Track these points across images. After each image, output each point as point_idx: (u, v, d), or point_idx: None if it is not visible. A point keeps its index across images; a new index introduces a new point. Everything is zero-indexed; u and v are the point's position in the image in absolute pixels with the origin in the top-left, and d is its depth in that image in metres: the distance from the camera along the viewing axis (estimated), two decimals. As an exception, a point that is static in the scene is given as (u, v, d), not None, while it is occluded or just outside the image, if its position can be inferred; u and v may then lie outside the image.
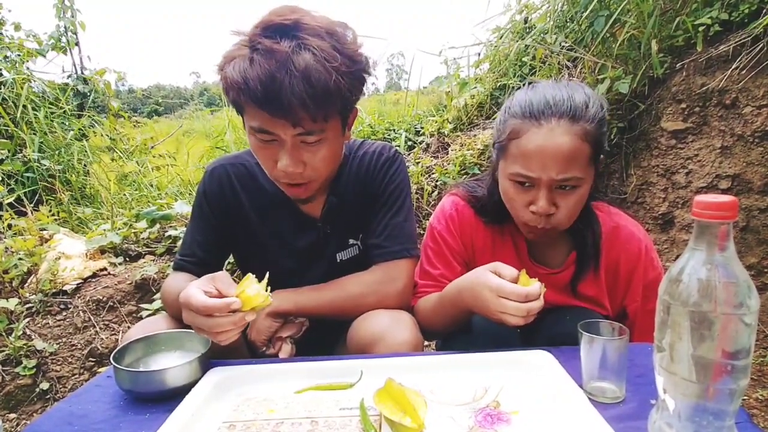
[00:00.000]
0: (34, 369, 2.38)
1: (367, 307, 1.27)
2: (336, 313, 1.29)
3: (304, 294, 1.30)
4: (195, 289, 0.98)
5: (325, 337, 1.44)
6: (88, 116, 4.97)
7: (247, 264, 1.49)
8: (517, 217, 1.20)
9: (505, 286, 1.00)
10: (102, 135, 5.00)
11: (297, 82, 1.03)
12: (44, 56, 4.90)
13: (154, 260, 2.94)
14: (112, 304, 2.65)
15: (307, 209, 1.38)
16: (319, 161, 1.17)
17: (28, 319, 2.53)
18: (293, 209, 1.37)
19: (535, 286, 1.00)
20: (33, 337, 2.47)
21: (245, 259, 1.49)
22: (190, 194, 4.01)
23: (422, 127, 4.20)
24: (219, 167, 1.39)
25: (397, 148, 1.47)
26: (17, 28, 4.80)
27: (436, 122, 4.10)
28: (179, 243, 2.96)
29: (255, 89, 1.03)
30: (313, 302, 1.29)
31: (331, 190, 1.37)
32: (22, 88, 4.25)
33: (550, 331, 1.24)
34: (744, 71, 2.48)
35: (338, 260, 1.41)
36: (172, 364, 0.99)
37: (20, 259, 2.71)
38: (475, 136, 3.72)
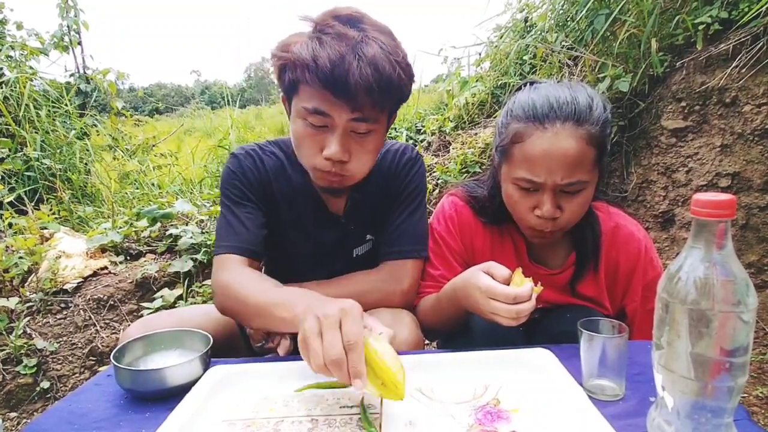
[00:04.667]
0: (35, 368, 2.38)
1: (370, 305, 1.26)
2: None
3: (311, 289, 1.29)
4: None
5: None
6: (90, 115, 4.97)
7: (273, 253, 1.48)
8: (521, 220, 1.20)
9: (494, 288, 0.99)
10: (104, 134, 5.01)
11: (365, 66, 1.06)
12: (47, 55, 4.90)
13: (155, 259, 2.95)
14: (112, 303, 2.66)
15: (330, 205, 1.38)
16: (364, 154, 1.18)
17: (28, 318, 2.53)
18: (318, 204, 1.37)
19: (525, 287, 0.98)
20: (33, 336, 2.47)
21: (271, 247, 1.48)
22: (191, 193, 4.01)
23: (423, 126, 4.21)
24: (250, 150, 1.37)
25: (418, 150, 1.47)
26: (19, 27, 4.81)
27: (438, 121, 4.11)
28: (180, 242, 2.97)
29: (324, 67, 1.05)
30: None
31: (353, 187, 1.37)
32: (24, 86, 4.25)
33: (551, 329, 1.24)
34: (744, 69, 2.48)
35: (354, 255, 1.42)
36: (172, 362, 0.99)
37: (21, 257, 2.71)
38: (476, 134, 3.73)
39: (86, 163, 4.55)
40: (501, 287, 0.99)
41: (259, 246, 1.27)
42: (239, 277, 1.17)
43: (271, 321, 1.05)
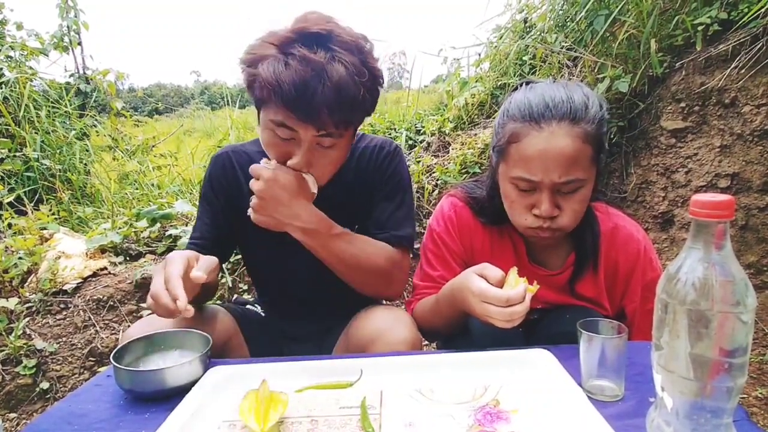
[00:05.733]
0: (34, 368, 2.38)
1: (372, 283, 1.31)
2: (350, 267, 1.29)
3: (337, 234, 1.27)
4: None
5: (323, 336, 1.44)
6: (90, 116, 4.97)
7: (248, 248, 1.51)
8: (518, 221, 1.19)
9: (486, 291, 0.99)
10: (103, 134, 5.01)
11: (329, 91, 1.09)
12: (47, 55, 4.90)
13: (154, 259, 2.95)
14: (112, 303, 2.65)
15: None
16: (327, 165, 1.23)
17: (28, 319, 2.53)
18: None
19: (519, 288, 0.98)
20: (33, 336, 2.47)
21: (246, 243, 1.50)
22: (191, 193, 4.01)
23: (423, 126, 4.20)
24: (223, 153, 1.45)
25: (398, 144, 1.49)
26: (19, 27, 4.80)
27: (437, 121, 4.10)
28: (180, 242, 2.97)
29: (289, 92, 1.08)
30: (340, 247, 1.27)
31: None
32: (24, 87, 4.25)
33: (550, 329, 1.24)
34: (743, 70, 2.48)
35: None
36: (172, 363, 1.00)
37: (20, 258, 2.71)
38: (475, 135, 3.72)
39: (86, 164, 4.55)
40: (493, 290, 0.99)
41: (211, 248, 1.37)
42: None
43: None
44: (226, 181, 1.40)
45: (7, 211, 3.33)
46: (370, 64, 1.18)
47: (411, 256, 1.38)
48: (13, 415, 2.32)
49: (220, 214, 1.41)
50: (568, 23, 3.56)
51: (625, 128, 3.01)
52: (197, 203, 1.46)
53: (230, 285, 2.84)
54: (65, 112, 4.71)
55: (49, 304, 2.61)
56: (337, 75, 1.10)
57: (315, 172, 1.22)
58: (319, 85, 1.08)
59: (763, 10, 2.39)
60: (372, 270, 1.29)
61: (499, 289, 0.99)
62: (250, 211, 1.22)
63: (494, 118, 3.80)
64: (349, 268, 1.29)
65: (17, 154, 4.00)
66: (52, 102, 4.63)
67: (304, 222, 1.21)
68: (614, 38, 3.01)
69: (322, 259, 1.28)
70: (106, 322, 2.60)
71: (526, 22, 4.14)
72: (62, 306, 2.62)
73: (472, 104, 4.07)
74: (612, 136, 2.98)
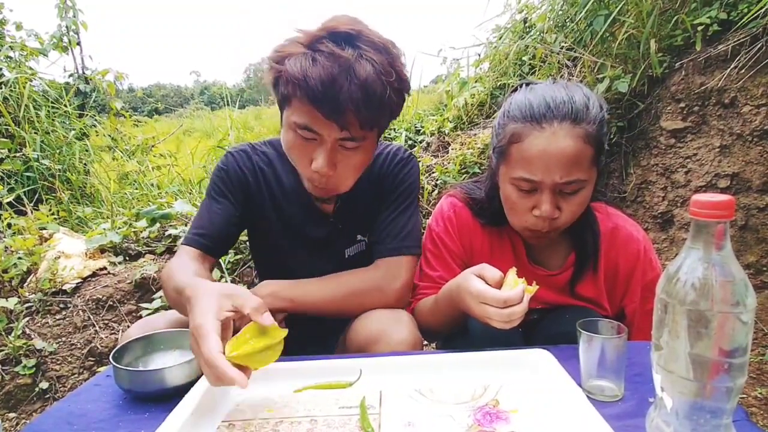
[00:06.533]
0: (34, 368, 2.38)
1: (368, 306, 1.27)
2: (335, 310, 1.29)
3: (301, 288, 1.28)
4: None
5: (324, 336, 1.44)
6: (89, 116, 4.97)
7: (260, 252, 1.51)
8: (517, 221, 1.19)
9: (484, 293, 0.99)
10: (103, 134, 5.01)
11: (356, 89, 1.07)
12: (46, 56, 4.90)
13: (154, 259, 2.94)
14: (111, 303, 2.65)
15: (320, 204, 1.39)
16: (350, 168, 1.21)
17: (27, 319, 2.53)
18: (307, 203, 1.38)
19: (517, 289, 0.97)
20: (32, 336, 2.47)
21: (258, 246, 1.50)
22: (190, 193, 4.01)
23: (422, 126, 4.20)
24: (241, 150, 1.41)
25: (411, 152, 1.48)
26: (18, 27, 4.80)
27: (437, 121, 4.11)
28: (179, 242, 2.97)
29: (315, 87, 1.06)
30: (311, 298, 1.27)
31: None
32: (23, 87, 4.25)
33: (550, 330, 1.24)
34: (743, 70, 2.48)
35: (346, 255, 1.42)
36: (171, 363, 0.99)
37: (20, 258, 2.71)
38: (475, 135, 3.73)
39: (85, 164, 4.55)
40: (491, 292, 0.99)
41: (217, 242, 1.31)
42: (177, 265, 1.21)
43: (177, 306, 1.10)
44: (245, 176, 1.36)
45: (7, 211, 3.33)
46: (397, 66, 1.16)
47: (416, 258, 1.36)
48: (12, 414, 2.32)
49: (233, 208, 1.35)
50: (568, 23, 3.56)
51: (625, 128, 3.01)
52: (197, 203, 1.43)
53: (230, 285, 2.83)
54: (65, 112, 4.72)
55: (48, 304, 2.61)
56: (365, 73, 1.08)
57: (337, 176, 1.20)
58: (345, 81, 1.07)
59: (762, 10, 2.39)
60: (351, 294, 1.29)
61: (496, 290, 0.99)
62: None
63: (494, 118, 3.79)
64: (330, 303, 1.28)
65: (17, 154, 4.00)
66: (51, 102, 4.64)
67: (270, 297, 1.22)
68: (614, 38, 3.01)
69: (305, 311, 1.27)
70: (106, 322, 2.60)
71: (525, 22, 4.14)
72: (62, 306, 2.62)
73: (472, 104, 4.07)
74: (612, 136, 2.99)
